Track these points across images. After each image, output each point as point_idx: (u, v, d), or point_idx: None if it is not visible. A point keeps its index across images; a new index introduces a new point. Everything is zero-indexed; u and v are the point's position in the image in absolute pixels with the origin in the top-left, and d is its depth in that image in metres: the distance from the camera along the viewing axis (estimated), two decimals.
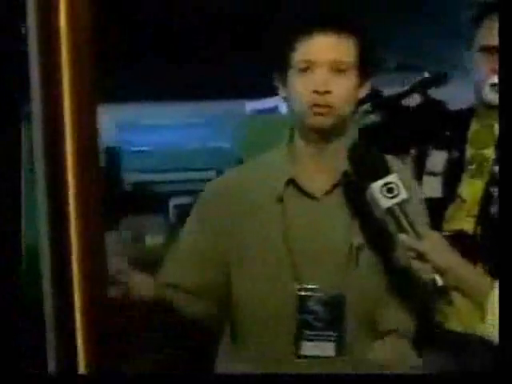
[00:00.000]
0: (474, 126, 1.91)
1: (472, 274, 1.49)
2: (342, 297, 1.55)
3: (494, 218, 1.69)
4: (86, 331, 1.19)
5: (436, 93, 2.16)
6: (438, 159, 1.93)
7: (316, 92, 1.52)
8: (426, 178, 1.94)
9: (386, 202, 1.45)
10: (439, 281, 1.45)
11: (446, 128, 1.97)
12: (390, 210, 1.46)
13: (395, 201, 1.45)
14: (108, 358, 1.20)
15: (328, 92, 1.52)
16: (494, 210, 1.74)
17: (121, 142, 4.47)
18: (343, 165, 1.56)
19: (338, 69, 1.54)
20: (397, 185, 1.45)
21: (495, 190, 1.75)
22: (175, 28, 4.05)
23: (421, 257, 1.44)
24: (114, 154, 4.46)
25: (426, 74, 2.27)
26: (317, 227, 1.58)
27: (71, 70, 1.16)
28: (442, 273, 1.44)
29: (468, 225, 1.82)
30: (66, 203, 1.19)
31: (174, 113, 4.48)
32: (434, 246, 1.46)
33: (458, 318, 1.81)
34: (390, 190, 1.45)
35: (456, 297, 1.77)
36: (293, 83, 1.56)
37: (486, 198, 1.78)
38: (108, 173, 4.37)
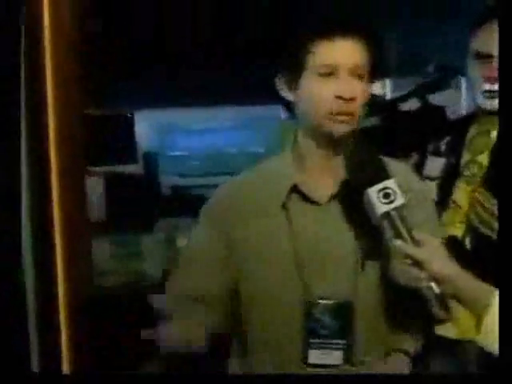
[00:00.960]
0: (472, 131, 1.88)
1: (471, 283, 1.45)
2: (350, 304, 1.53)
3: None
4: (70, 332, 1.21)
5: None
6: (435, 164, 1.91)
7: (340, 98, 1.50)
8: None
9: (381, 208, 1.42)
10: (436, 288, 1.42)
11: (445, 133, 1.94)
12: (385, 216, 1.42)
13: (392, 206, 1.41)
14: (91, 358, 1.21)
15: (353, 99, 1.50)
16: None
17: (159, 146, 4.51)
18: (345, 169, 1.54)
19: (358, 74, 1.53)
20: (394, 190, 1.41)
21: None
22: (212, 34, 4.07)
23: (418, 264, 1.40)
24: (152, 158, 4.51)
25: (426, 79, 2.25)
26: (322, 234, 1.56)
27: (54, 74, 1.18)
28: (439, 281, 1.40)
29: (459, 231, 1.79)
30: (51, 207, 1.21)
31: (212, 117, 4.50)
32: (433, 253, 1.42)
33: (454, 325, 1.77)
34: (386, 196, 1.41)
35: (453, 304, 1.74)
36: (310, 87, 1.54)
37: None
38: (146, 177, 4.44)
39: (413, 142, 2.01)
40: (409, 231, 1.40)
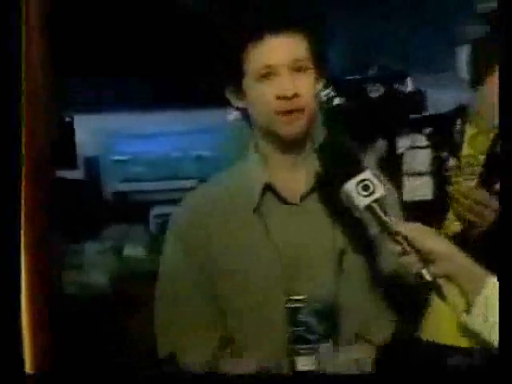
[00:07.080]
0: (471, 130, 1.85)
1: (465, 261, 1.37)
2: (334, 305, 1.47)
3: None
4: (33, 331, 1.13)
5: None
6: (420, 158, 1.86)
7: (284, 98, 1.44)
8: (412, 179, 1.87)
9: (362, 201, 1.35)
10: (427, 275, 1.34)
11: (424, 126, 1.90)
12: (368, 209, 1.36)
13: (372, 198, 1.35)
14: (56, 358, 1.13)
15: (296, 95, 1.45)
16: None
17: (102, 151, 4.39)
18: (317, 166, 1.49)
19: (298, 68, 1.46)
20: (372, 181, 1.35)
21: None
22: (159, 38, 3.98)
23: (410, 244, 1.35)
24: (94, 163, 4.38)
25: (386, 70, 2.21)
26: (299, 235, 1.50)
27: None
28: (433, 260, 1.33)
29: (455, 227, 1.75)
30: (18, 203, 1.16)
31: (156, 122, 4.41)
32: (425, 231, 1.38)
33: (436, 328, 1.74)
34: (365, 188, 1.35)
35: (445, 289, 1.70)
36: (253, 93, 1.47)
37: None
38: (88, 183, 4.30)
39: (382, 126, 1.97)
40: (392, 221, 1.34)
